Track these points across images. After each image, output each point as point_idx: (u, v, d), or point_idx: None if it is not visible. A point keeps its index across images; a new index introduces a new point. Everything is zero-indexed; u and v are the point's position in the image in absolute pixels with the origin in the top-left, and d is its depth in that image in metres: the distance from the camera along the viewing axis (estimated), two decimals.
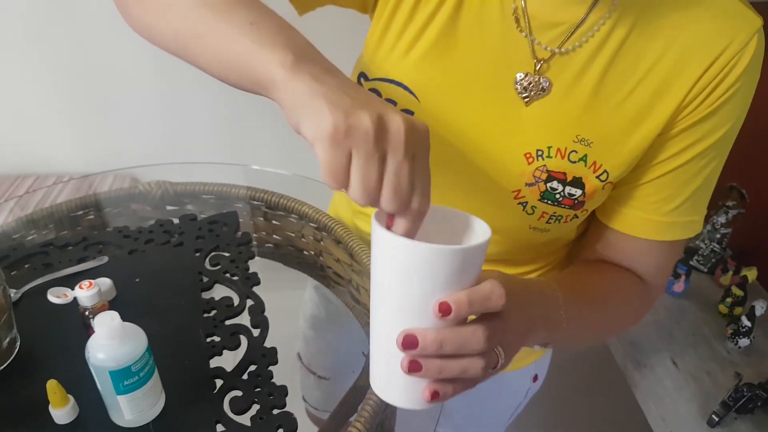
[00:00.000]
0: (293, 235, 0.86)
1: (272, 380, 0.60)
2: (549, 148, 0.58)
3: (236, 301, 0.69)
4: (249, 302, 0.69)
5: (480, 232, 0.45)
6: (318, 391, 0.96)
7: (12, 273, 0.71)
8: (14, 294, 0.65)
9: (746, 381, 1.13)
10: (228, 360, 0.62)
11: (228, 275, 0.72)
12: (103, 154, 2.03)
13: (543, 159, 0.58)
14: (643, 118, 0.56)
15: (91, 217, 0.83)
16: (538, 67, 0.57)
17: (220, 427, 0.55)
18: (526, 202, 0.60)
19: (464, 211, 0.46)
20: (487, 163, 0.60)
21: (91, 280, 0.60)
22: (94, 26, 1.68)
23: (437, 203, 0.45)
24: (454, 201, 0.56)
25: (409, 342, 0.40)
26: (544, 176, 0.58)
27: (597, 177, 0.58)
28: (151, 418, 0.54)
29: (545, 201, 0.60)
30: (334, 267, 0.83)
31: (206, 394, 0.58)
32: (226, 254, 0.75)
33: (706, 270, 1.42)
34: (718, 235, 1.38)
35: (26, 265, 0.73)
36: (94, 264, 0.70)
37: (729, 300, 1.31)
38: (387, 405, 0.53)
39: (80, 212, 0.83)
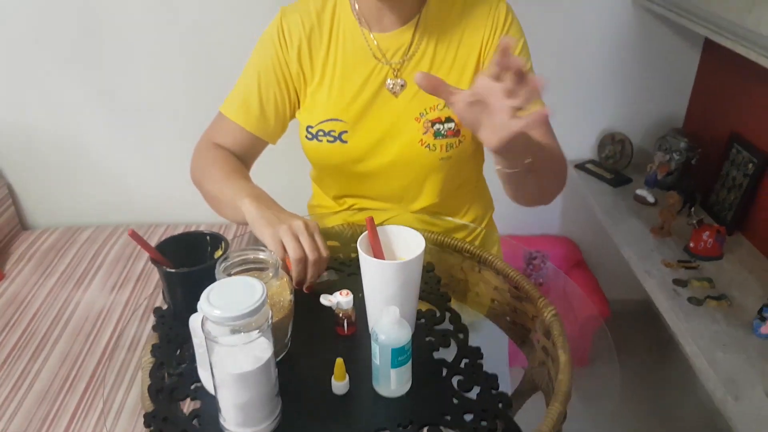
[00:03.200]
0: (453, 266, 1.05)
1: (483, 369, 0.78)
2: (425, 108, 1.00)
3: (437, 313, 0.88)
4: (447, 314, 0.88)
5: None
6: None
7: None
8: None
9: None
10: (443, 355, 0.81)
11: (425, 293, 0.92)
12: None
13: (424, 116, 1.00)
14: (465, 69, 1.00)
15: None
16: (395, 74, 1.01)
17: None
18: (429, 144, 1.01)
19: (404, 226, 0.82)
20: (397, 133, 1.02)
21: (347, 290, 0.80)
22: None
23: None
24: (390, 165, 1.03)
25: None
26: (429, 125, 1.00)
27: None
28: (405, 391, 0.73)
29: (438, 138, 1.00)
30: (491, 294, 1.01)
31: (438, 377, 0.76)
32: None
33: None
34: None
35: None
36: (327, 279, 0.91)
37: None
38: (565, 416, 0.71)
39: None
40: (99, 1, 1.88)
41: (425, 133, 1.00)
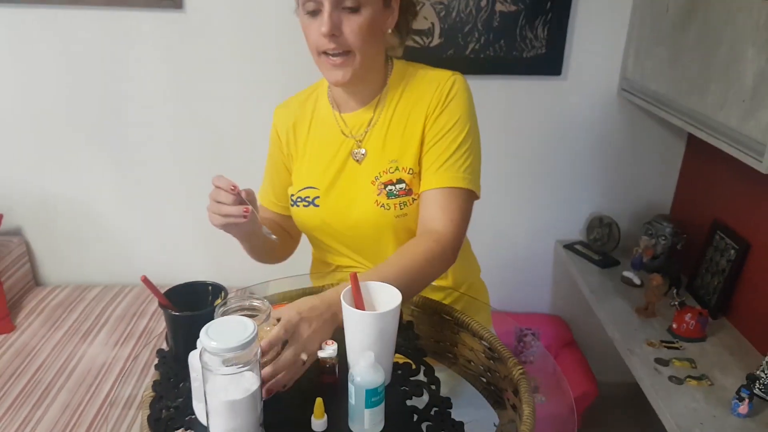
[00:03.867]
0: (433, 329, 1.14)
1: (452, 417, 0.85)
2: (379, 172, 1.13)
3: (413, 365, 0.96)
4: (422, 367, 0.96)
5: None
6: None
7: None
8: None
9: None
10: (416, 404, 0.88)
11: (402, 348, 1.00)
12: (229, 271, 2.38)
13: (378, 179, 1.13)
14: (413, 136, 1.13)
15: None
16: (358, 145, 1.16)
17: None
18: (383, 204, 1.13)
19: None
20: (358, 197, 1.15)
21: (332, 340, 0.89)
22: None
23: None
24: (355, 225, 1.15)
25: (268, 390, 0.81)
26: (382, 186, 1.13)
27: (407, 173, 1.13)
28: (378, 431, 0.80)
29: (390, 198, 1.13)
30: (468, 355, 1.09)
31: (409, 423, 0.84)
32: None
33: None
34: None
35: None
36: None
37: None
38: None
39: None
40: (119, 84, 2.08)
41: (379, 194, 1.13)
